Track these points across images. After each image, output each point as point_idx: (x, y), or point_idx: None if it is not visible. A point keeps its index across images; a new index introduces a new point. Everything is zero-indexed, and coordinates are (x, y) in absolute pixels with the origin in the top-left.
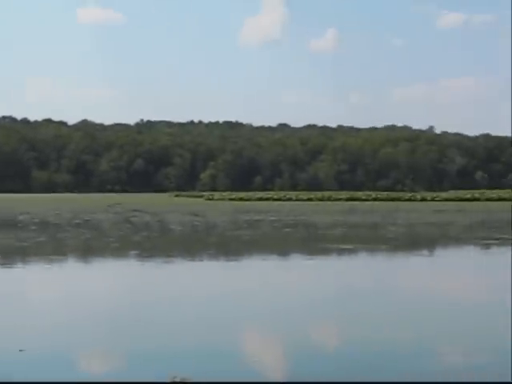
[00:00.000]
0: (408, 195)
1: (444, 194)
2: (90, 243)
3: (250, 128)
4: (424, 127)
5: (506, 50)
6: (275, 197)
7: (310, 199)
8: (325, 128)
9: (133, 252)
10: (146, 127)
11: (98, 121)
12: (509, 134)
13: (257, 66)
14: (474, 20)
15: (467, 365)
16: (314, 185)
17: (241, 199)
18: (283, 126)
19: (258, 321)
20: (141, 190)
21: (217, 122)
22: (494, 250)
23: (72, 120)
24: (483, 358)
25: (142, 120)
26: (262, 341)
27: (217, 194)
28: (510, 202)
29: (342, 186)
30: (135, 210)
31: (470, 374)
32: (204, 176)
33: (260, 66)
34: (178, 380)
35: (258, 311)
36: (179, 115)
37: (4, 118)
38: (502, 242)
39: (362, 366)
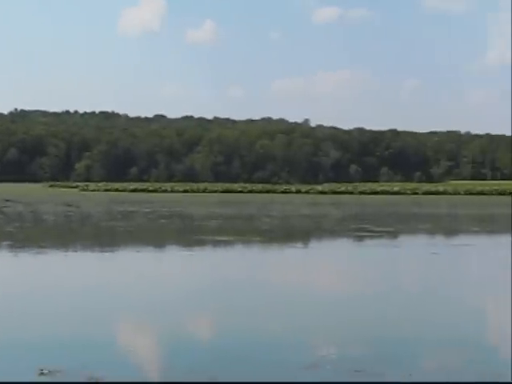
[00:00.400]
0: (283, 187)
1: (318, 187)
2: None
3: (125, 119)
4: (300, 120)
5: (380, 43)
6: (151, 188)
7: (185, 191)
8: (201, 119)
9: (5, 243)
10: (19, 116)
11: None
12: (383, 128)
13: (134, 56)
14: (349, 14)
15: (341, 356)
16: (190, 176)
17: (116, 190)
18: (160, 117)
19: (132, 312)
20: (14, 180)
21: (93, 113)
22: (367, 242)
23: None
24: (357, 350)
25: (15, 109)
26: (138, 332)
27: (92, 185)
28: (382, 196)
29: (217, 178)
30: (8, 200)
31: (343, 365)
32: (79, 166)
33: (137, 56)
34: (46, 372)
35: (132, 303)
36: (54, 105)
37: None
38: (374, 234)
39: (237, 357)
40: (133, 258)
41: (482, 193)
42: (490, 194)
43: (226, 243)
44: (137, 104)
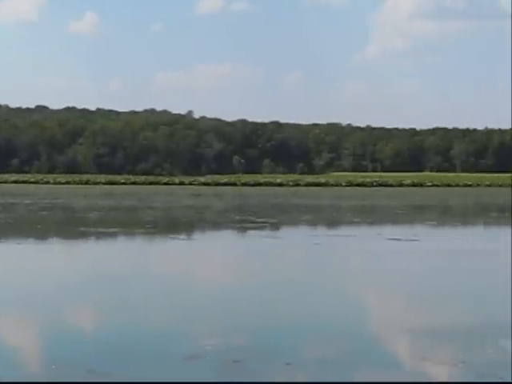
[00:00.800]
0: (166, 179)
1: (201, 179)
2: None
3: (6, 109)
4: (183, 112)
5: (263, 36)
6: (32, 179)
7: (68, 182)
8: (84, 111)
9: None
10: None
11: None
12: (266, 120)
13: (14, 46)
14: (231, 7)
15: (222, 347)
16: (73, 168)
17: None
18: (41, 108)
19: (13, 305)
20: None
21: None
22: (250, 233)
23: None
24: (238, 340)
25: None
26: (18, 326)
27: None
28: (265, 187)
29: (100, 169)
30: None
31: (223, 356)
32: None
33: (17, 46)
34: None
35: (13, 296)
36: None
37: None
38: (257, 225)
39: (119, 349)
40: (13, 250)
41: (362, 184)
42: (371, 185)
43: (109, 235)
44: (18, 95)
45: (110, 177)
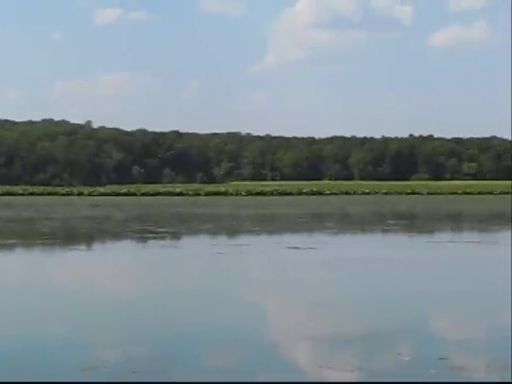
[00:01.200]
0: (65, 190)
1: (101, 189)
2: None
3: None
4: (82, 122)
5: (161, 46)
6: None
7: None
8: None
9: None
10: None
11: None
12: (165, 130)
13: None
14: (129, 16)
15: (120, 357)
16: None
17: None
18: None
19: None
20: None
21: None
22: (151, 243)
23: None
24: (137, 350)
25: None
26: None
27: None
28: (165, 197)
29: None
30: None
31: (121, 366)
32: None
33: None
34: None
35: None
36: None
37: None
38: (157, 235)
39: (16, 360)
40: None
41: (262, 193)
42: (270, 194)
43: (6, 246)
44: None
45: (7, 187)
